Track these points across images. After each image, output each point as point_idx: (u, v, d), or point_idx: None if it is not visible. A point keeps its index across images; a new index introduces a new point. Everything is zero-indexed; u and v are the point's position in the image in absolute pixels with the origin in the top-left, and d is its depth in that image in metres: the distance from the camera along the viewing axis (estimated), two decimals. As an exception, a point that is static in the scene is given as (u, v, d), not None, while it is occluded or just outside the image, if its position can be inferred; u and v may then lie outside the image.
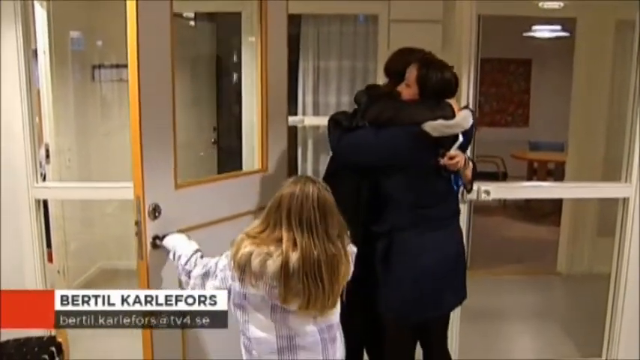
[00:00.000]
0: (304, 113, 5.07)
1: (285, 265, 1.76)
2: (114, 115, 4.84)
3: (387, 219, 2.43)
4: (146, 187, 2.18)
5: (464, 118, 2.33)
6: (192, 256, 2.09)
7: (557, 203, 5.45)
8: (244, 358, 1.97)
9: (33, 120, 2.99)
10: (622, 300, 3.08)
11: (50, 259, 4.44)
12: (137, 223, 2.20)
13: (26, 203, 2.97)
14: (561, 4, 4.69)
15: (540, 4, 4.70)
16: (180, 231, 2.34)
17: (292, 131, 5.15)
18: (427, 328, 2.57)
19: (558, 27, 6.38)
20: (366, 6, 4.74)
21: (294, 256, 1.76)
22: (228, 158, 5.25)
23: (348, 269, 1.89)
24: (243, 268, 1.82)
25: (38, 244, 3.03)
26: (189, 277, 2.04)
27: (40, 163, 4.28)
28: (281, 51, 2.74)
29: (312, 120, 5.05)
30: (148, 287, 2.23)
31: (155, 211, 2.23)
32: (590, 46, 4.76)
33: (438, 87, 2.36)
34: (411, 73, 2.40)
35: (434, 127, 2.26)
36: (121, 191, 2.89)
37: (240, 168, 4.01)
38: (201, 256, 2.10)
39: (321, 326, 1.91)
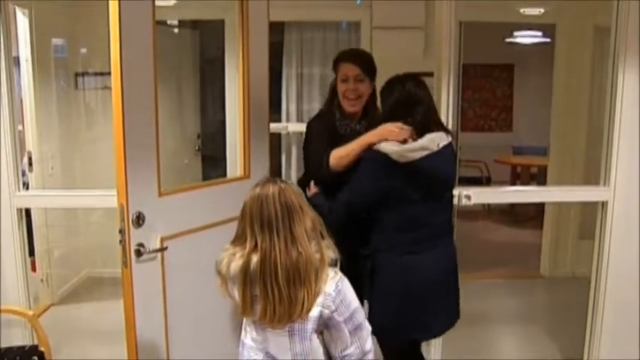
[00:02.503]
0: (288, 120, 5.12)
1: (245, 267, 1.66)
2: (98, 122, 4.82)
3: (371, 240, 2.44)
4: (130, 195, 2.18)
5: (431, 140, 2.32)
6: None
7: (541, 207, 5.51)
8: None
9: (14, 128, 2.98)
10: (602, 302, 3.12)
11: (33, 268, 4.44)
12: (121, 231, 2.20)
13: (7, 212, 2.95)
14: (541, 10, 4.76)
15: (521, 10, 4.76)
16: (164, 238, 2.35)
17: (276, 138, 5.19)
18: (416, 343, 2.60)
19: (539, 33, 6.46)
20: (349, 13, 4.79)
21: (255, 259, 1.66)
22: (213, 165, 5.25)
23: (323, 272, 1.68)
24: (221, 275, 1.77)
25: (20, 253, 3.01)
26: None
27: (23, 172, 4.31)
28: (262, 58, 2.76)
29: (295, 126, 5.09)
30: (133, 295, 2.24)
31: (139, 219, 2.24)
32: (569, 52, 4.82)
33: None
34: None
35: (395, 151, 2.28)
36: (103, 199, 2.89)
37: (225, 175, 4.02)
38: None
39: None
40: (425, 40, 4.62)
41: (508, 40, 6.86)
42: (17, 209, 2.98)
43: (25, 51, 4.17)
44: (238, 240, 1.74)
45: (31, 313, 2.92)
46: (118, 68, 2.08)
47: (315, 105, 5.09)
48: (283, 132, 5.12)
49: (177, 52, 5.35)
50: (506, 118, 8.99)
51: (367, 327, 1.78)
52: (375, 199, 2.34)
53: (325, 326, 1.71)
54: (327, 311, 1.67)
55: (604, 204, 3.10)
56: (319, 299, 1.66)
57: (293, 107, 5.13)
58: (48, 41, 4.48)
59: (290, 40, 5.07)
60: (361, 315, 1.76)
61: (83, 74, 4.79)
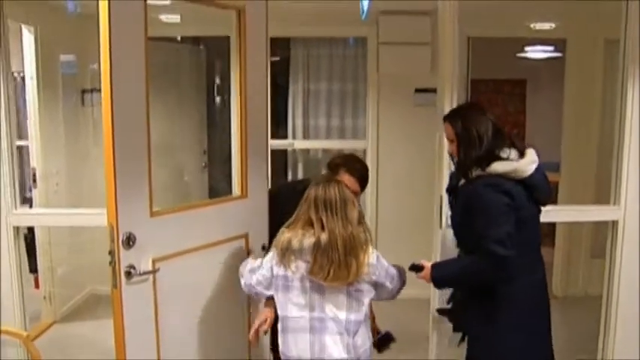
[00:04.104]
0: (294, 137, 5.06)
1: (317, 241, 2.11)
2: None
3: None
4: (120, 215, 2.13)
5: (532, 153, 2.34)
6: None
7: (552, 225, 5.37)
8: (280, 340, 2.23)
9: (12, 145, 2.95)
10: (614, 321, 3.03)
11: (36, 285, 4.41)
12: (111, 253, 2.15)
13: (4, 230, 2.91)
14: (552, 25, 4.68)
15: (531, 25, 4.68)
16: (156, 260, 2.30)
17: (282, 154, 5.12)
18: None
19: (551, 48, 6.35)
20: (355, 29, 4.74)
21: (324, 235, 2.11)
22: (219, 182, 5.21)
23: (368, 247, 2.17)
24: (284, 251, 2.15)
25: (16, 272, 2.96)
26: (242, 276, 2.35)
27: (30, 188, 4.30)
28: (260, 73, 2.71)
29: (301, 143, 5.03)
30: (122, 317, 2.18)
31: (129, 240, 2.19)
32: (580, 67, 4.73)
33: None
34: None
35: (513, 168, 2.27)
36: (98, 218, 2.83)
37: (231, 192, 3.96)
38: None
39: (346, 318, 2.17)
40: (431, 56, 4.55)
41: (519, 55, 6.77)
42: (14, 227, 2.95)
43: (30, 68, 4.17)
44: (298, 223, 2.18)
45: (25, 334, 2.87)
46: (109, 84, 2.05)
47: (321, 121, 5.03)
48: (289, 148, 5.06)
49: (185, 68, 5.35)
50: (519, 134, 8.85)
51: (393, 269, 2.30)
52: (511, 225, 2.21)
53: (374, 286, 2.22)
54: (373, 277, 2.19)
55: (614, 223, 3.01)
56: (366, 269, 2.15)
57: (299, 123, 5.07)
58: (56, 58, 4.48)
59: (296, 55, 5.02)
60: (392, 269, 2.28)
61: (92, 90, 4.78)
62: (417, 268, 2.35)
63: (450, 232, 2.58)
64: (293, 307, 2.18)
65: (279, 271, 2.19)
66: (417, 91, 4.69)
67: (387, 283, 2.25)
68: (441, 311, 2.78)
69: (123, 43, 2.08)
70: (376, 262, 2.20)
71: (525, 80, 8.52)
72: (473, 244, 2.23)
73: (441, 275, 2.33)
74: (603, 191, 4.51)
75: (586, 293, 4.78)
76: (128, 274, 2.20)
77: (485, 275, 2.22)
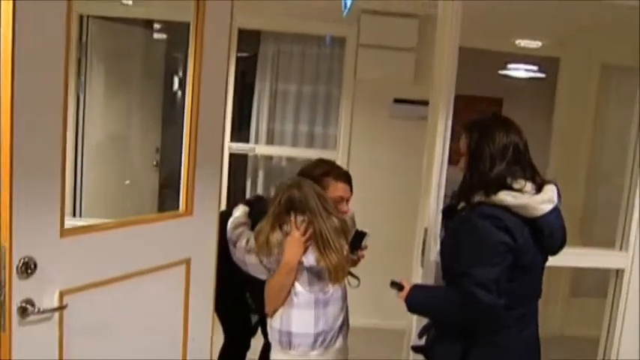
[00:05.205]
0: (257, 141, 4.59)
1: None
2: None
3: None
4: (16, 234, 1.60)
5: (552, 191, 1.98)
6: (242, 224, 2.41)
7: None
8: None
9: None
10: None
11: None
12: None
13: None
14: (539, 43, 4.38)
15: (516, 41, 4.36)
16: (65, 292, 1.77)
17: (242, 160, 4.66)
18: None
19: (535, 67, 6.07)
20: (333, 27, 4.32)
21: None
22: (172, 183, 4.66)
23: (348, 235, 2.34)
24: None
25: None
26: (234, 246, 2.31)
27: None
28: (219, 68, 2.21)
29: (264, 149, 4.58)
30: (11, 367, 1.65)
31: (27, 267, 1.65)
32: (571, 90, 4.44)
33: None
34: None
35: (525, 203, 1.93)
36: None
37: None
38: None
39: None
40: (416, 64, 4.14)
41: (501, 72, 6.46)
42: None
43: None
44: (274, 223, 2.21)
45: None
46: (9, 62, 1.52)
47: (287, 126, 4.56)
48: (250, 154, 4.57)
49: (144, 57, 4.83)
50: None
51: None
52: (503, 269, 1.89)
53: None
54: None
55: (618, 272, 2.62)
56: None
57: (263, 127, 4.58)
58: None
59: (266, 51, 4.54)
60: None
61: None
62: (397, 286, 2.11)
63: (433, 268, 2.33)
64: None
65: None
66: (397, 101, 4.32)
67: None
68: (415, 349, 2.40)
69: (33, 14, 1.56)
70: None
71: (502, 99, 8.26)
72: (453, 278, 1.96)
73: (417, 300, 2.06)
74: (586, 228, 4.21)
75: (562, 333, 4.44)
76: (23, 312, 1.66)
77: (464, 318, 1.92)
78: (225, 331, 2.87)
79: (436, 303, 2.05)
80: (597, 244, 3.36)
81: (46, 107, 1.65)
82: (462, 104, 9.27)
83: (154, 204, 4.82)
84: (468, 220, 1.94)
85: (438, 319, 2.14)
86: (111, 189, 4.41)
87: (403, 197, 3.84)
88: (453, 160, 2.87)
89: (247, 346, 2.90)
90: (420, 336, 2.28)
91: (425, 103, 2.75)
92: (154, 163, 4.99)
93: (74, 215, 4.04)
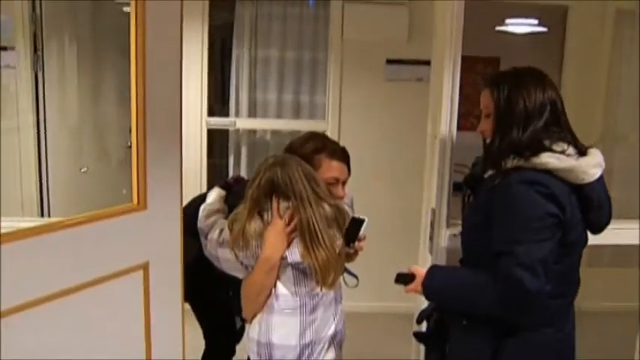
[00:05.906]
0: (237, 114, 4.32)
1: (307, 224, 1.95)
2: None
3: None
4: None
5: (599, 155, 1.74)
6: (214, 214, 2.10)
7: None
8: None
9: None
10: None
11: None
12: None
13: None
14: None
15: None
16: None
17: (223, 135, 4.44)
18: None
19: (535, 21, 5.71)
20: (316, -18, 4.01)
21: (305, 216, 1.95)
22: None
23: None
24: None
25: None
26: (206, 238, 2.03)
27: None
28: (172, 32, 1.79)
29: (246, 122, 4.33)
30: None
31: None
32: (582, 42, 4.18)
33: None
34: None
35: (571, 165, 1.68)
36: None
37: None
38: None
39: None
40: (409, 19, 3.82)
41: (499, 28, 6.10)
42: None
43: None
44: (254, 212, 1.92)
45: None
46: None
47: (271, 96, 4.27)
48: (231, 128, 4.33)
49: (111, 29, 4.47)
50: (490, 118, 8.29)
51: None
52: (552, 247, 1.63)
53: None
54: None
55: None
56: None
57: (244, 98, 4.34)
58: None
59: (242, 15, 4.23)
60: None
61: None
62: (405, 279, 1.82)
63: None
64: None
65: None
66: (390, 62, 4.11)
67: None
68: (417, 336, 2.14)
69: None
70: None
71: (499, 58, 7.95)
72: (487, 261, 1.66)
73: (439, 283, 1.77)
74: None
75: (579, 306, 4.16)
76: None
77: (501, 308, 1.63)
78: (206, 335, 2.55)
79: (464, 289, 1.73)
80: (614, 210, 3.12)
81: None
82: (461, 65, 8.80)
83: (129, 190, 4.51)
84: (505, 188, 1.65)
85: (466, 308, 1.79)
86: (84, 178, 4.05)
87: (404, 172, 3.66)
88: (461, 126, 2.58)
89: (232, 352, 2.56)
90: (419, 321, 2.04)
91: (421, 62, 2.42)
92: (128, 144, 4.65)
93: (42, 215, 3.71)
